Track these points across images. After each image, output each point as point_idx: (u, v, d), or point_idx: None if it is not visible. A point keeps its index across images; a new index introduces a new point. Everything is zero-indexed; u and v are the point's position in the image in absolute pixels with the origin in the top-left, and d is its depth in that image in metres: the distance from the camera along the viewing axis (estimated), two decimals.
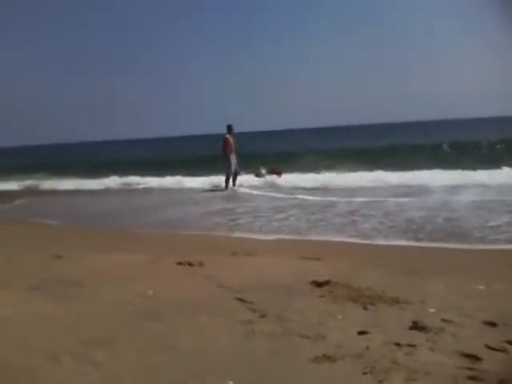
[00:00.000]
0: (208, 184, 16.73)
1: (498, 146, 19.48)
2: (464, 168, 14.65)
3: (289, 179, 16.07)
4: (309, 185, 14.81)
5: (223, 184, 15.60)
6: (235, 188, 15.37)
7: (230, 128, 15.55)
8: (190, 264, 5.22)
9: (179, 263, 5.28)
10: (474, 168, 14.45)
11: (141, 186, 17.95)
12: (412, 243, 6.64)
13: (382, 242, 6.84)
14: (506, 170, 13.80)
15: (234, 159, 15.39)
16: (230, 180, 15.47)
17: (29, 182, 21.34)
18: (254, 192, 14.08)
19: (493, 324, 3.23)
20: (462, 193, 11.25)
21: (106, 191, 17.59)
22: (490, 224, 7.57)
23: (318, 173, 16.90)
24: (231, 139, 15.43)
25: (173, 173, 19.10)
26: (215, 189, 15.74)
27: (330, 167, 17.96)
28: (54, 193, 18.35)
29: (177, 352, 2.93)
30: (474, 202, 9.94)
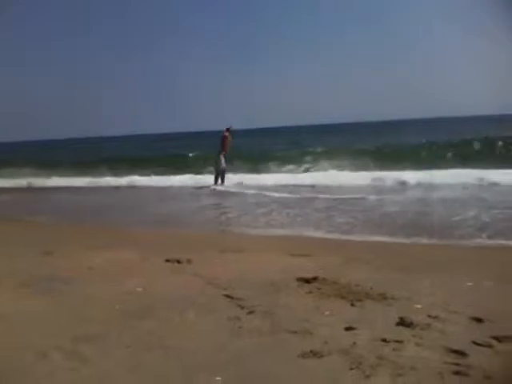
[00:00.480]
0: (195, 182, 16.76)
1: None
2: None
3: (271, 178, 16.16)
4: (295, 182, 14.89)
5: (211, 182, 15.69)
6: (223, 186, 15.40)
7: (228, 128, 15.85)
8: (178, 261, 5.22)
9: (168, 260, 5.28)
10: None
11: (128, 184, 17.84)
12: (399, 240, 6.69)
13: (369, 238, 6.88)
14: None
15: (223, 158, 15.54)
16: (219, 178, 15.57)
17: (17, 180, 21.16)
18: (243, 190, 14.06)
19: (479, 320, 3.26)
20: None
21: (94, 189, 17.46)
22: (478, 220, 7.65)
23: (306, 171, 17.01)
24: (230, 138, 15.69)
25: (159, 171, 19.13)
26: (202, 186, 15.73)
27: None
28: (42, 190, 18.23)
29: (165, 349, 2.94)
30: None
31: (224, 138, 15.70)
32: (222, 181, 15.59)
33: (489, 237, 6.51)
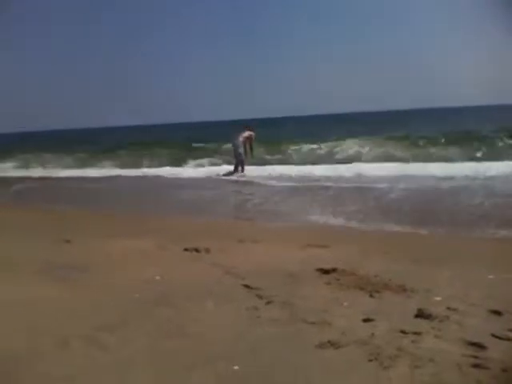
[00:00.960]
0: (210, 171, 16.90)
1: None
2: None
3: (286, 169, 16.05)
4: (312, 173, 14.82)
5: (229, 171, 15.97)
6: (244, 174, 15.52)
7: (248, 126, 16.48)
8: (196, 250, 5.25)
9: (186, 249, 5.31)
10: None
11: (147, 174, 17.86)
12: (419, 230, 6.64)
13: (388, 228, 6.85)
14: None
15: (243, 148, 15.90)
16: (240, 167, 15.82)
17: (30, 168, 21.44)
18: (261, 181, 14.03)
19: (498, 313, 3.23)
20: None
21: (114, 178, 17.53)
22: (500, 213, 7.56)
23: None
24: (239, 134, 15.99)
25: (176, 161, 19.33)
26: (222, 175, 15.79)
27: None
28: (55, 179, 18.44)
29: (185, 337, 2.97)
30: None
31: (250, 136, 16.06)
32: (242, 169, 15.73)
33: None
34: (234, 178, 15.32)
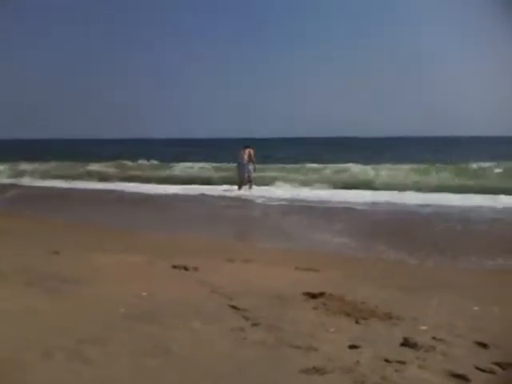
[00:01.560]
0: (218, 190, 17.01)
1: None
2: None
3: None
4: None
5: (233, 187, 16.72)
6: (250, 191, 16.19)
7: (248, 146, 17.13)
8: (185, 268, 5.24)
9: (174, 266, 5.30)
10: None
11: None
12: (407, 258, 6.67)
13: (377, 255, 6.87)
14: None
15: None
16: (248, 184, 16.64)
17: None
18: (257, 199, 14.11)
19: (484, 345, 3.25)
20: None
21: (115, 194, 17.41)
22: (484, 243, 7.62)
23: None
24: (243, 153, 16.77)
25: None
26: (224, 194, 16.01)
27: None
28: (44, 189, 18.35)
29: (170, 355, 2.95)
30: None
31: (250, 153, 16.73)
32: (251, 186, 16.53)
33: (502, 260, 6.47)
34: (241, 192, 16.08)
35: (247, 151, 16.74)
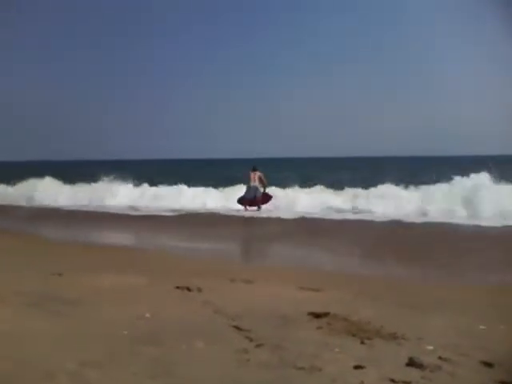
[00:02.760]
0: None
1: None
2: None
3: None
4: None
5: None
6: (259, 211, 16.88)
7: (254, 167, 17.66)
8: (188, 289, 5.21)
9: (178, 287, 5.27)
10: None
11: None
12: (411, 276, 6.65)
13: (381, 273, 6.85)
14: None
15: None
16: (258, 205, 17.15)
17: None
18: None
19: (489, 364, 3.21)
20: None
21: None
22: (493, 261, 7.58)
23: None
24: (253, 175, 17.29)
25: None
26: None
27: None
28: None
29: (173, 377, 2.92)
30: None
31: (260, 176, 17.38)
32: (260, 207, 17.14)
33: (506, 279, 6.44)
34: (249, 212, 16.61)
35: (257, 174, 17.25)
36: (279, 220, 13.89)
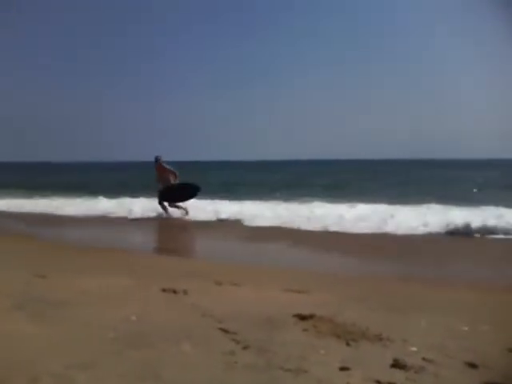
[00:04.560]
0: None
1: None
2: None
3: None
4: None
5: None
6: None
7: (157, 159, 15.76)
8: (174, 291, 5.20)
9: (164, 290, 5.26)
10: None
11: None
12: (396, 277, 6.71)
13: (366, 275, 6.90)
14: None
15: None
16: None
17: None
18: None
19: (473, 365, 3.26)
20: None
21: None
22: (473, 262, 7.69)
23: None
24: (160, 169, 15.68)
25: None
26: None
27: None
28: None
29: (159, 380, 2.92)
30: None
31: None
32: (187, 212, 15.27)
33: (487, 277, 6.53)
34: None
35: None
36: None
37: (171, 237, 12.24)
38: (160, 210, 15.29)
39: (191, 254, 9.14)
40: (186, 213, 15.10)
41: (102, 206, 17.74)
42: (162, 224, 14.22)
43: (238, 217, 13.90)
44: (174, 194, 15.31)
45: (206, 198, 16.90)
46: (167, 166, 15.63)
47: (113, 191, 21.09)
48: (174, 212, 15.24)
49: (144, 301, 4.90)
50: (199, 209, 15.31)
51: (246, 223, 13.08)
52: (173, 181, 15.44)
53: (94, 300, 4.82)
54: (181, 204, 15.29)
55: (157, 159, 15.64)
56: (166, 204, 15.29)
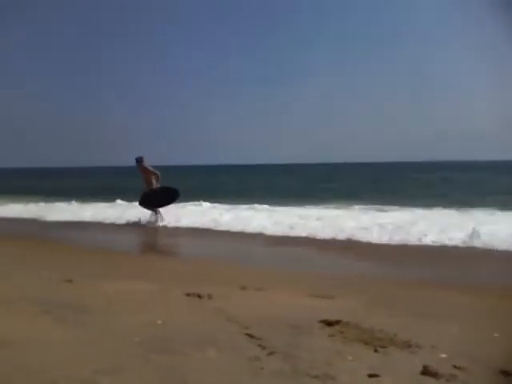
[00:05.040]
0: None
1: None
2: None
3: None
4: None
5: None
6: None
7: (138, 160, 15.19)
8: (199, 296, 5.19)
9: (188, 294, 5.26)
10: None
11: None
12: (423, 283, 6.61)
13: (395, 280, 6.82)
14: None
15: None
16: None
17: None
18: None
19: (506, 373, 3.17)
20: None
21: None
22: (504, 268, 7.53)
23: None
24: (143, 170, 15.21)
25: None
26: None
27: None
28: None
29: None
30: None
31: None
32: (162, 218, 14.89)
33: None
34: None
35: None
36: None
37: (193, 242, 12.22)
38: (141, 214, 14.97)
39: (213, 259, 9.09)
40: (162, 219, 14.67)
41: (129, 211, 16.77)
42: (181, 230, 14.04)
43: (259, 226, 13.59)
44: (156, 198, 14.87)
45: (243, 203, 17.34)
46: (150, 168, 15.07)
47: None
48: (150, 216, 14.89)
49: (169, 305, 4.90)
50: (227, 215, 15.28)
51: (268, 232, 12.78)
52: (155, 183, 14.97)
53: (119, 305, 4.85)
54: (160, 209, 14.89)
55: (137, 160, 14.99)
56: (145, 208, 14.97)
